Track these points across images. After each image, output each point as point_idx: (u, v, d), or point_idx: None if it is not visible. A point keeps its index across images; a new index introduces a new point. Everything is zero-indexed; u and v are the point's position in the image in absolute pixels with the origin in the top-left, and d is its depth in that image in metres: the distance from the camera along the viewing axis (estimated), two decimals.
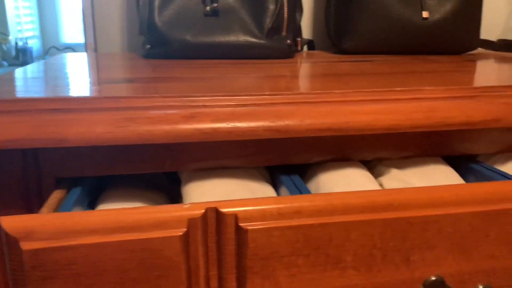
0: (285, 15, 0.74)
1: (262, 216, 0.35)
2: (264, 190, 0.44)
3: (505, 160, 0.50)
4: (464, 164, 0.50)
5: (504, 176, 0.45)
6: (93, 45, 0.90)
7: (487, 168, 0.47)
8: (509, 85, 0.47)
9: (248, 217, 0.35)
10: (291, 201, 0.36)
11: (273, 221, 0.35)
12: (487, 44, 0.86)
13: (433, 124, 0.43)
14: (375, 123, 0.42)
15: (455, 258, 0.38)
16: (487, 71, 0.60)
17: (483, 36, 0.92)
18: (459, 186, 0.38)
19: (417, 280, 0.38)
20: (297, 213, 0.35)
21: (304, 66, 0.65)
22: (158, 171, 0.44)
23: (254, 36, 0.72)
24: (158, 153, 0.43)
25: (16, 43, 3.22)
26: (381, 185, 0.46)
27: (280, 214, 0.35)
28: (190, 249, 0.35)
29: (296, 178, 0.45)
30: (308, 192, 0.41)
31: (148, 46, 0.74)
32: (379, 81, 0.51)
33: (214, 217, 0.35)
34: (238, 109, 0.41)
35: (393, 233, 0.37)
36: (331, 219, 0.36)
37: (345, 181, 0.44)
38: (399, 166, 0.48)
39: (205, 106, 0.41)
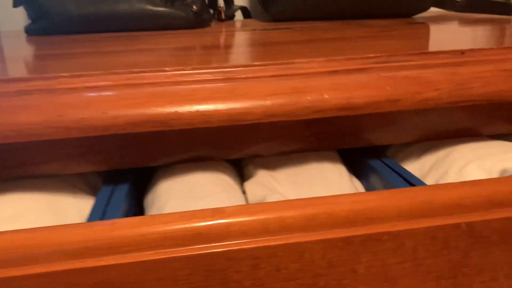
0: None
1: None
2: (82, 205, 0.33)
3: (422, 152, 0.38)
4: (365, 161, 0.38)
5: (405, 179, 0.33)
6: None
7: (389, 167, 0.36)
8: (416, 53, 0.35)
9: None
10: (36, 235, 0.24)
11: (7, 269, 0.24)
12: (447, 4, 0.73)
13: (296, 111, 0.31)
14: (209, 114, 0.30)
15: None
16: (414, 36, 0.47)
17: None
18: (307, 202, 0.26)
19: None
20: (52, 254, 0.24)
21: (195, 38, 0.52)
22: None
23: (151, 2, 0.60)
24: None
25: None
26: (244, 192, 0.35)
27: (10, 257, 0.24)
28: None
29: (121, 190, 0.33)
30: (116, 213, 0.30)
31: (30, 20, 0.62)
32: (257, 54, 0.39)
33: None
34: (19, 98, 0.29)
35: (207, 274, 0.25)
36: (103, 261, 0.24)
37: (189, 192, 0.33)
38: (272, 166, 0.36)
39: None
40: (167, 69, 0.32)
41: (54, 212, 0.32)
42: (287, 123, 0.34)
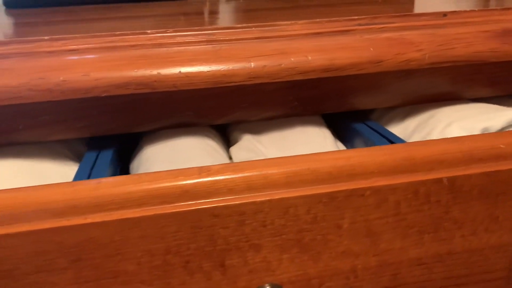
0: None
1: None
2: (66, 171, 0.33)
3: (406, 115, 0.39)
4: (350, 124, 0.38)
5: (388, 139, 0.34)
6: None
7: (372, 129, 0.36)
8: (399, 15, 0.35)
9: None
10: (21, 195, 0.24)
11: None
12: None
13: (280, 72, 0.31)
14: (193, 76, 0.30)
15: (296, 259, 0.28)
16: (398, 1, 0.47)
17: None
18: (289, 159, 0.27)
19: None
20: (38, 213, 0.24)
21: (178, 7, 0.52)
22: None
23: None
24: None
25: None
26: (230, 158, 0.35)
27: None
28: None
29: (106, 155, 0.33)
30: (102, 176, 0.30)
31: None
32: (240, 18, 0.39)
33: None
34: None
35: (194, 231, 0.26)
36: (88, 219, 0.24)
37: (174, 156, 0.33)
38: (257, 131, 0.36)
39: None
40: (148, 31, 0.32)
41: (36, 178, 0.31)
42: (271, 87, 0.34)
